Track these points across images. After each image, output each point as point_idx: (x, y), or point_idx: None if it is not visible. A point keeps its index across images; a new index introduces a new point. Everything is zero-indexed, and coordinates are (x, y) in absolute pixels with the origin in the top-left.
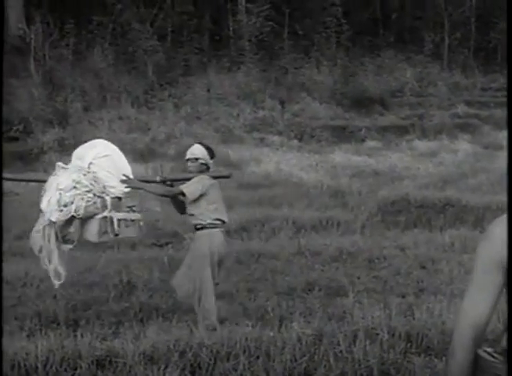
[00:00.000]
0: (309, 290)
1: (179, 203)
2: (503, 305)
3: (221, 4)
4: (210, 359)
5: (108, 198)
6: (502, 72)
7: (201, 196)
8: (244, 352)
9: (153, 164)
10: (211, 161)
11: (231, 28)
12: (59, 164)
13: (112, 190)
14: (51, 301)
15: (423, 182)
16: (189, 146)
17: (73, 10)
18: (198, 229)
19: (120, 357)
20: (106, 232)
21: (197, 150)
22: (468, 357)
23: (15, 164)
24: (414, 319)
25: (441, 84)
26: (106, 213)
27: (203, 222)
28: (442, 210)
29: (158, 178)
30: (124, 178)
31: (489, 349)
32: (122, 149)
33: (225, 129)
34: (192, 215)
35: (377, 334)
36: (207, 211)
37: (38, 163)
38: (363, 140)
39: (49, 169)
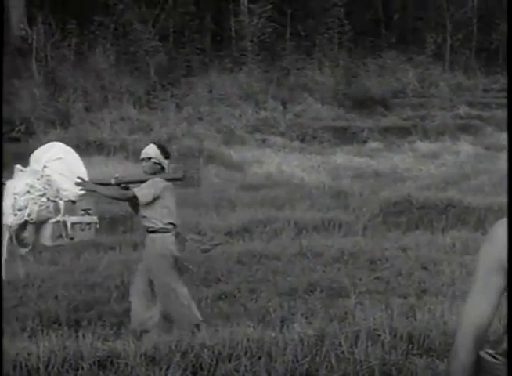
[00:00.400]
0: (311, 291)
1: (135, 204)
2: (505, 306)
3: (223, 4)
4: (212, 360)
5: (61, 202)
6: (504, 73)
7: (155, 199)
8: (246, 352)
9: None
10: (166, 161)
11: (233, 29)
12: (18, 166)
13: (65, 193)
14: (52, 302)
15: (425, 183)
16: (192, 146)
17: (75, 11)
18: (150, 232)
19: (122, 358)
20: (60, 236)
21: (150, 150)
22: (470, 358)
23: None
24: (416, 320)
25: (443, 85)
26: (59, 217)
27: (155, 226)
28: (444, 211)
29: (113, 181)
30: (79, 180)
31: (491, 351)
32: (124, 149)
33: (227, 130)
34: (145, 217)
35: (379, 335)
36: (159, 215)
37: None
38: (365, 141)
39: None
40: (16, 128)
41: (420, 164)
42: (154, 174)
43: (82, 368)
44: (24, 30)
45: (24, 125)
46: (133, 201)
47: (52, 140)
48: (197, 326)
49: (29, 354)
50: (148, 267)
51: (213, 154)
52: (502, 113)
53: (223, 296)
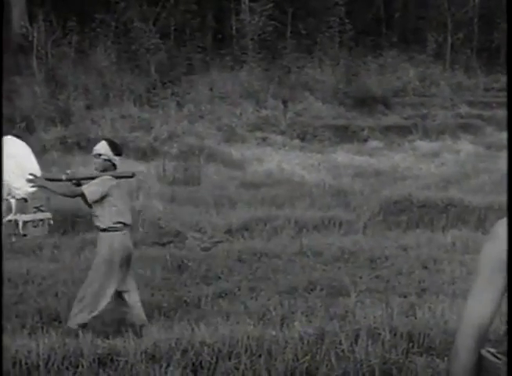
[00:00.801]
0: (311, 289)
1: (86, 201)
2: (506, 305)
3: (225, 3)
4: (212, 358)
5: (13, 201)
6: (505, 72)
7: (103, 198)
8: (246, 351)
9: (156, 163)
10: (117, 158)
11: (234, 27)
12: None
13: (17, 192)
14: (52, 299)
15: (426, 182)
16: (192, 144)
17: (76, 8)
18: (101, 231)
19: (122, 355)
20: (12, 234)
21: (100, 147)
22: (471, 357)
23: None
24: (416, 318)
25: (444, 84)
26: (10, 216)
27: (104, 225)
28: (444, 210)
29: (64, 177)
30: (31, 177)
31: (492, 350)
32: (125, 147)
33: (228, 128)
34: (96, 216)
35: (379, 334)
36: (108, 214)
37: (40, 161)
38: (365, 140)
39: (51, 168)
40: (17, 126)
41: (420, 163)
42: (104, 171)
43: (82, 366)
44: (25, 27)
45: (25, 123)
46: (83, 199)
47: (53, 138)
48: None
49: (29, 351)
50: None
51: (213, 152)
52: (502, 113)
53: (223, 294)
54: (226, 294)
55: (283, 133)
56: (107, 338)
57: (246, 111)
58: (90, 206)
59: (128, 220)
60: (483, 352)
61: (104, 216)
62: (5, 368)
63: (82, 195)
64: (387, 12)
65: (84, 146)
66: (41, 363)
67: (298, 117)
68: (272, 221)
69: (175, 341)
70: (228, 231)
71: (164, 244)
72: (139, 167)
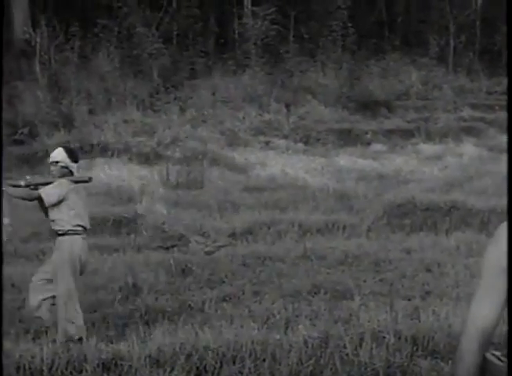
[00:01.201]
0: (315, 293)
1: (44, 206)
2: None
3: (227, 7)
4: (216, 362)
5: None
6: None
7: (61, 201)
8: (250, 355)
9: (159, 168)
10: (74, 165)
11: (236, 31)
12: None
13: None
14: None
15: (429, 185)
16: (195, 149)
17: (79, 13)
18: (59, 235)
19: (126, 360)
20: None
21: (57, 154)
22: (476, 361)
23: (20, 168)
24: (420, 322)
25: (447, 87)
26: None
27: (63, 229)
28: (448, 213)
29: (23, 183)
30: None
31: (497, 353)
32: (128, 152)
33: (231, 132)
34: (53, 220)
35: (383, 337)
36: (67, 217)
37: (43, 166)
38: (369, 143)
39: None
40: (20, 131)
41: (423, 166)
42: (62, 177)
43: (86, 370)
44: (28, 32)
45: (28, 128)
46: (42, 203)
47: (56, 143)
48: (80, 339)
49: (32, 356)
50: (53, 271)
51: (216, 157)
52: (505, 115)
53: (227, 298)
54: (230, 298)
55: (286, 137)
56: (111, 343)
57: (249, 115)
58: (46, 214)
59: (86, 224)
60: (487, 355)
61: (62, 219)
62: (10, 373)
63: (39, 198)
64: (390, 15)
65: (88, 150)
66: (44, 367)
67: (301, 120)
68: (275, 225)
69: (179, 345)
70: (232, 235)
71: (167, 248)
72: (142, 171)
